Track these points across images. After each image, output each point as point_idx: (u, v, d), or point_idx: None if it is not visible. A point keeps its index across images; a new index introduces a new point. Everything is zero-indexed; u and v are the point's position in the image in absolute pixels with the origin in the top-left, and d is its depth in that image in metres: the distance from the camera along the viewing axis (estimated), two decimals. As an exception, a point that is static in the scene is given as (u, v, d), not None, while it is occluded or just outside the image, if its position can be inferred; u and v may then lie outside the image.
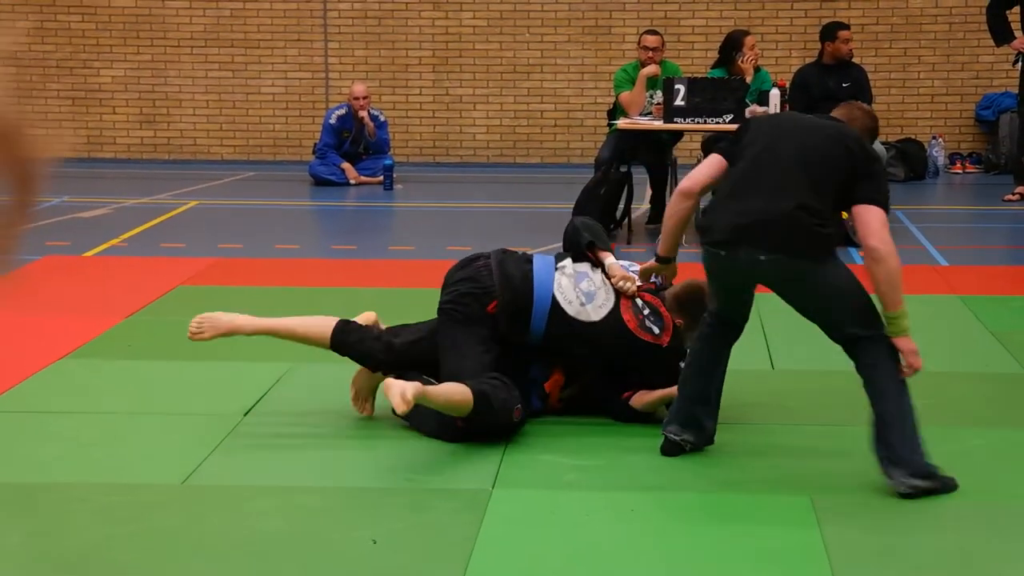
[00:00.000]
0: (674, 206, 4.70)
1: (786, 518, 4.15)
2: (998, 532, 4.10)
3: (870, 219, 4.27)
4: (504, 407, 4.71)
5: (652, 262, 4.93)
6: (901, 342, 4.31)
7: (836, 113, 4.61)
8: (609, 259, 5.12)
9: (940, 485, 4.29)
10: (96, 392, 5.53)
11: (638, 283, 5.07)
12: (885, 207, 4.33)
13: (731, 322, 4.61)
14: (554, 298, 4.92)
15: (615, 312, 4.96)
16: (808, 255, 4.27)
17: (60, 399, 5.41)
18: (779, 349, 6.03)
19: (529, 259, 5.06)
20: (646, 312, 5.00)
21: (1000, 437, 4.93)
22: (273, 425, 5.08)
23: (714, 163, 4.56)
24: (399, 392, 4.41)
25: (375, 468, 4.70)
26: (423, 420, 4.84)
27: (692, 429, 4.62)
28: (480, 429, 4.74)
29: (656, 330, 4.97)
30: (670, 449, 4.65)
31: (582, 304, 4.94)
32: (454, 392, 4.68)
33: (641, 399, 5.03)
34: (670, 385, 4.90)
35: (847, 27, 10.48)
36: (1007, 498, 4.36)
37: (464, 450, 4.81)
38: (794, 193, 4.29)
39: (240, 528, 4.07)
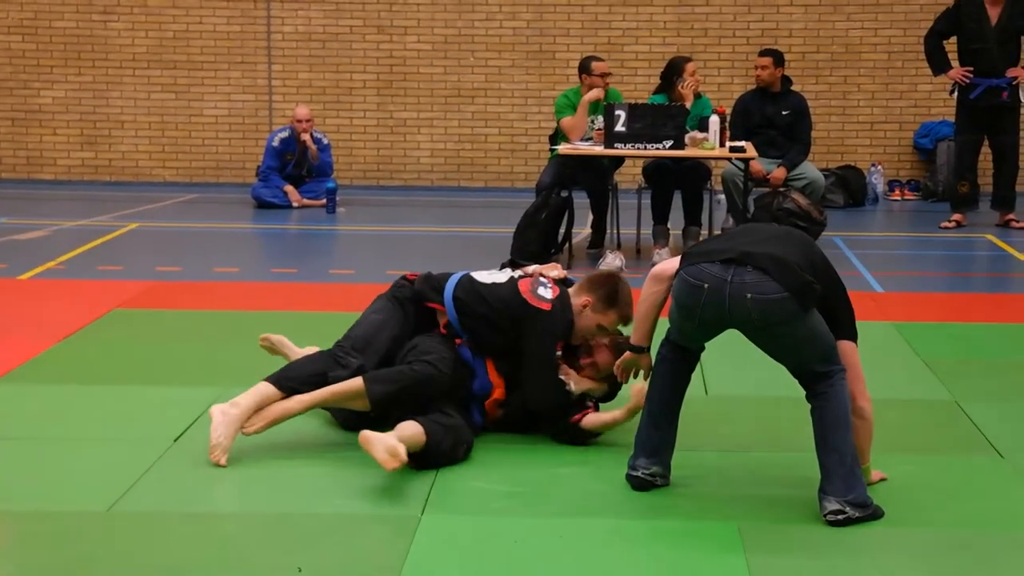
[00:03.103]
0: (647, 289, 4.56)
1: (713, 545, 4.17)
2: (921, 559, 4.13)
3: (857, 370, 4.42)
4: (449, 453, 4.85)
5: (627, 354, 4.78)
6: (875, 474, 4.63)
7: None
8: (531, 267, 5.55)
9: (870, 515, 4.33)
10: (25, 418, 5.47)
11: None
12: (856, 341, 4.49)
13: (690, 352, 4.57)
14: (466, 274, 5.32)
15: (514, 281, 5.26)
16: (800, 302, 4.23)
17: (-13, 424, 5.35)
18: (714, 375, 6.05)
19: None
20: (542, 283, 5.24)
21: (927, 464, 4.97)
22: (202, 451, 5.02)
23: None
24: (386, 450, 4.54)
25: (303, 493, 4.67)
26: None
27: (658, 462, 4.57)
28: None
29: (546, 296, 5.16)
30: (640, 486, 4.58)
31: (491, 275, 5.32)
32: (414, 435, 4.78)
33: (592, 420, 5.10)
34: (540, 363, 5.05)
35: (765, 53, 10.37)
36: (932, 525, 4.39)
37: (395, 474, 4.79)
38: (791, 251, 4.33)
39: (163, 557, 4.04)
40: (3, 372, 6.07)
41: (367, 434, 4.58)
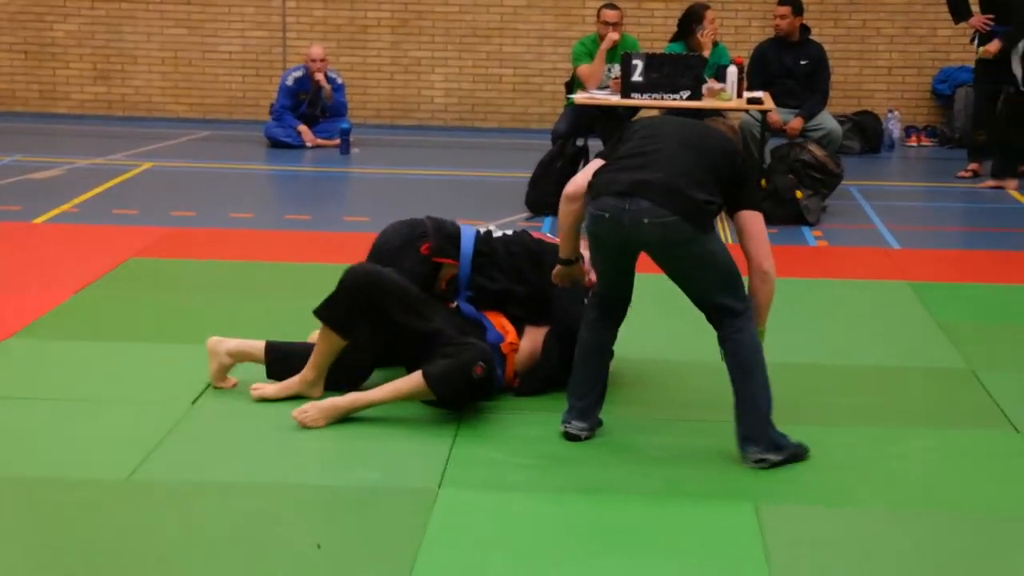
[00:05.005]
0: (563, 210, 4.84)
1: (728, 526, 4.18)
2: (936, 544, 4.14)
3: (760, 235, 4.64)
4: (463, 373, 4.92)
5: (558, 267, 5.04)
6: None
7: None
8: None
9: (790, 456, 4.59)
10: (43, 377, 5.49)
11: None
12: (764, 212, 4.79)
13: (614, 304, 4.86)
14: (477, 230, 5.51)
15: (527, 231, 5.63)
16: (694, 224, 4.52)
17: (4, 384, 5.36)
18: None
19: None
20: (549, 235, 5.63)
21: (941, 438, 4.97)
22: (220, 414, 5.08)
23: (597, 167, 4.76)
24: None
25: (321, 463, 4.71)
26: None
27: (587, 418, 4.87)
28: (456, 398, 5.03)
29: (555, 238, 5.43)
30: (571, 439, 4.87)
31: (499, 228, 5.61)
32: (403, 387, 4.96)
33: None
34: (574, 295, 5.23)
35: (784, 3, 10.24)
36: (947, 507, 4.39)
37: (413, 443, 4.83)
38: (686, 167, 4.59)
39: (185, 531, 4.07)
40: (21, 326, 6.09)
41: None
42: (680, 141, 4.66)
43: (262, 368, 5.35)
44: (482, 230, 5.57)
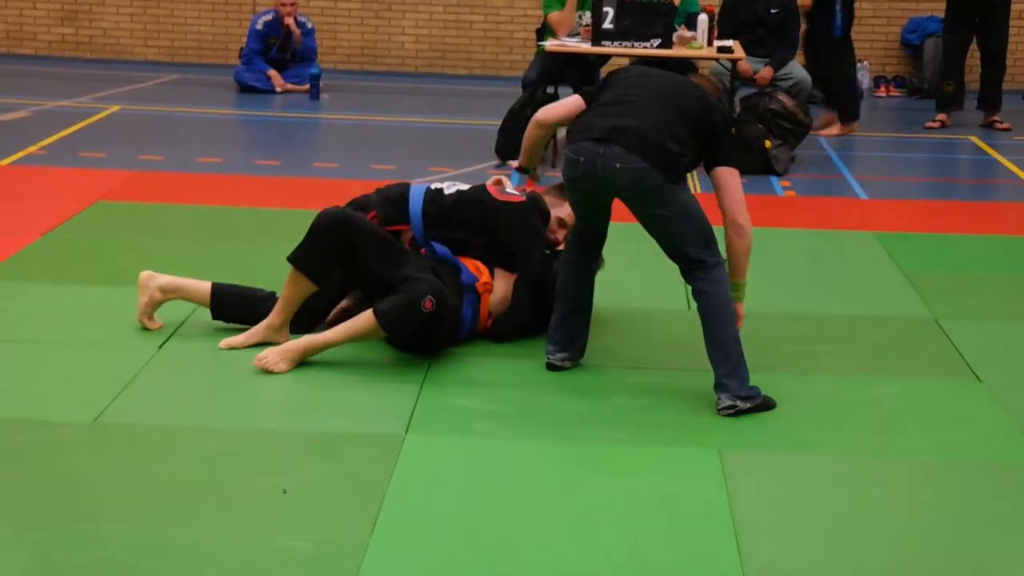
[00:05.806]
0: (529, 132, 5.06)
1: (693, 471, 4.22)
2: (897, 489, 4.19)
3: (735, 190, 4.73)
4: (411, 308, 4.90)
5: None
6: (740, 307, 4.85)
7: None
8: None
9: (758, 406, 4.67)
10: (8, 319, 5.48)
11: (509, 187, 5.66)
12: (741, 169, 4.84)
13: (592, 239, 4.99)
14: (427, 187, 5.47)
15: (481, 185, 5.54)
16: (665, 173, 4.62)
17: (-29, 327, 5.36)
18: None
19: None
20: (507, 189, 5.56)
21: (903, 386, 5.02)
22: (187, 358, 5.07)
23: (573, 102, 4.91)
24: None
25: (288, 409, 4.72)
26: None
27: (569, 348, 5.05)
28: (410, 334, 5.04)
29: (514, 193, 5.51)
30: (553, 369, 5.05)
31: (452, 183, 5.54)
32: (356, 326, 4.98)
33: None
34: (533, 243, 5.33)
35: None
36: (908, 454, 4.44)
37: (380, 389, 4.85)
38: (661, 119, 4.68)
39: (150, 474, 4.08)
40: (-14, 269, 6.06)
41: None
42: (659, 93, 4.77)
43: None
44: (433, 187, 5.51)
